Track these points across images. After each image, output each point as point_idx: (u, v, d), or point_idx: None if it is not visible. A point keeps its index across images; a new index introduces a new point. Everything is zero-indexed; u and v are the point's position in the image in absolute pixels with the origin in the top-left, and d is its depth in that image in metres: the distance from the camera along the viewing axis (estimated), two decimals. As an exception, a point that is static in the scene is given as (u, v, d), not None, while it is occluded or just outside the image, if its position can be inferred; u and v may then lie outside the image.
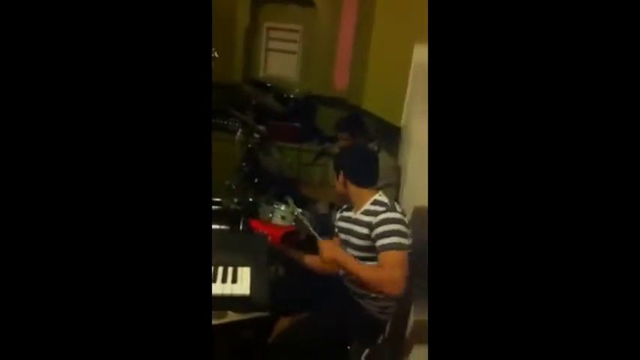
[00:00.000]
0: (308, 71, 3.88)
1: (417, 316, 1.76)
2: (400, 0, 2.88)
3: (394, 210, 1.67)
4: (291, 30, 3.87)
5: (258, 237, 2.00)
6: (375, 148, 2.65)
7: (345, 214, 1.90)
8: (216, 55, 2.11)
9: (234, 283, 1.55)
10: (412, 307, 1.83)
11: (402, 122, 2.83)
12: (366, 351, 1.86)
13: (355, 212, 1.81)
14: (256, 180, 2.74)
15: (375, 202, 1.75)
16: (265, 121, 3.13)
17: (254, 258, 1.65)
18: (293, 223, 2.57)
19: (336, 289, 1.87)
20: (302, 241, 2.39)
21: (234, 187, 2.62)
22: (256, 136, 2.71)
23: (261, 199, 2.75)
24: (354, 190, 1.81)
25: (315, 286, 1.92)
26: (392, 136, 2.89)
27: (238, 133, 2.67)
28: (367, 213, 1.73)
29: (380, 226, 1.63)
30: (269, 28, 3.89)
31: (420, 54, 2.46)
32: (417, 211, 2.01)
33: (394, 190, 2.47)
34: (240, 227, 2.13)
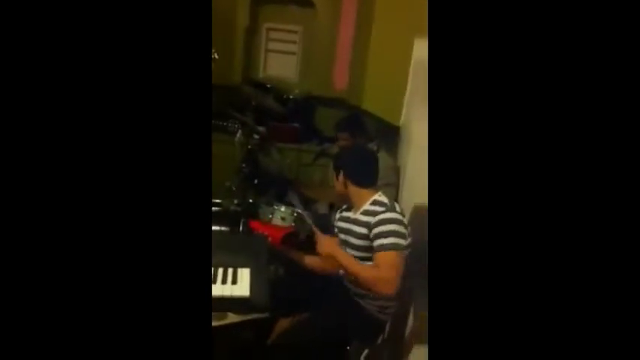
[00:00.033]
0: (308, 72, 3.87)
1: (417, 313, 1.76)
2: (400, 0, 2.88)
3: (393, 210, 1.67)
4: (290, 31, 3.87)
5: (258, 238, 2.00)
6: (375, 148, 2.65)
7: (345, 214, 1.90)
8: (216, 56, 2.10)
9: (234, 284, 1.55)
10: (412, 307, 1.83)
11: (402, 122, 2.83)
12: (366, 351, 1.86)
13: (355, 212, 1.82)
14: (256, 181, 2.74)
15: (375, 202, 1.75)
16: (265, 122, 3.13)
17: (254, 259, 1.65)
18: (293, 224, 2.57)
19: (336, 289, 1.87)
20: (302, 241, 2.39)
21: (234, 188, 2.62)
22: (256, 137, 2.71)
23: (261, 200, 2.75)
24: (353, 190, 1.81)
25: (314, 286, 1.92)
26: (391, 135, 2.89)
27: (238, 134, 2.66)
28: (366, 213, 1.73)
29: (378, 226, 1.63)
30: (269, 29, 3.88)
31: (420, 50, 2.46)
32: (416, 210, 2.01)
33: (394, 190, 2.48)
34: (240, 228, 2.12)
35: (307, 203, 2.77)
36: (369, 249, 1.67)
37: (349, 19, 3.63)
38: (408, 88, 2.69)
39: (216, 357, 1.11)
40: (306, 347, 1.76)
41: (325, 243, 1.75)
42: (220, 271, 1.58)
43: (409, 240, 1.66)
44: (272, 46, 3.93)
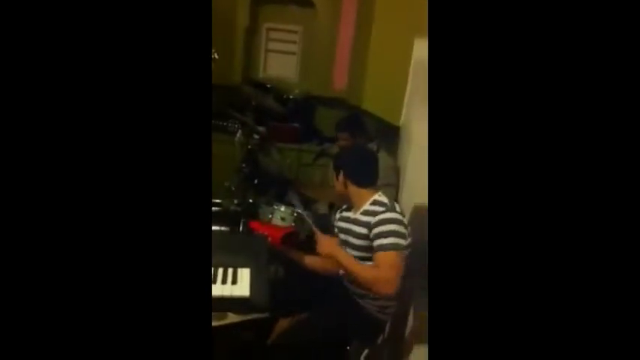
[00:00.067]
0: (307, 72, 3.88)
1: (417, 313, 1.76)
2: (399, 0, 2.88)
3: (393, 210, 1.68)
4: (290, 31, 3.87)
5: (258, 238, 2.00)
6: (375, 148, 2.65)
7: (345, 214, 1.90)
8: (217, 56, 2.10)
9: (234, 284, 1.55)
10: (412, 307, 1.83)
11: (402, 122, 2.83)
12: (366, 351, 1.86)
13: (355, 212, 1.82)
14: (256, 181, 2.74)
15: (375, 202, 1.75)
16: (265, 122, 3.13)
17: (254, 259, 1.65)
18: (293, 224, 2.57)
19: (336, 289, 1.87)
20: (302, 241, 2.39)
21: (233, 188, 2.62)
22: (256, 137, 2.71)
23: (261, 200, 2.74)
24: (353, 190, 1.81)
25: (314, 286, 1.92)
26: (391, 135, 2.89)
27: (238, 134, 2.66)
28: (366, 213, 1.74)
29: (378, 226, 1.63)
30: (269, 29, 3.89)
31: (420, 50, 2.46)
32: (416, 210, 2.01)
33: (394, 190, 2.48)
34: (240, 228, 2.12)
35: (307, 203, 2.77)
36: (369, 249, 1.67)
37: (349, 19, 3.63)
38: (408, 88, 2.70)
39: (216, 357, 1.11)
40: (306, 347, 1.76)
41: (325, 243, 1.75)
42: (220, 271, 1.58)
43: (409, 240, 1.66)
44: (272, 46, 3.94)
